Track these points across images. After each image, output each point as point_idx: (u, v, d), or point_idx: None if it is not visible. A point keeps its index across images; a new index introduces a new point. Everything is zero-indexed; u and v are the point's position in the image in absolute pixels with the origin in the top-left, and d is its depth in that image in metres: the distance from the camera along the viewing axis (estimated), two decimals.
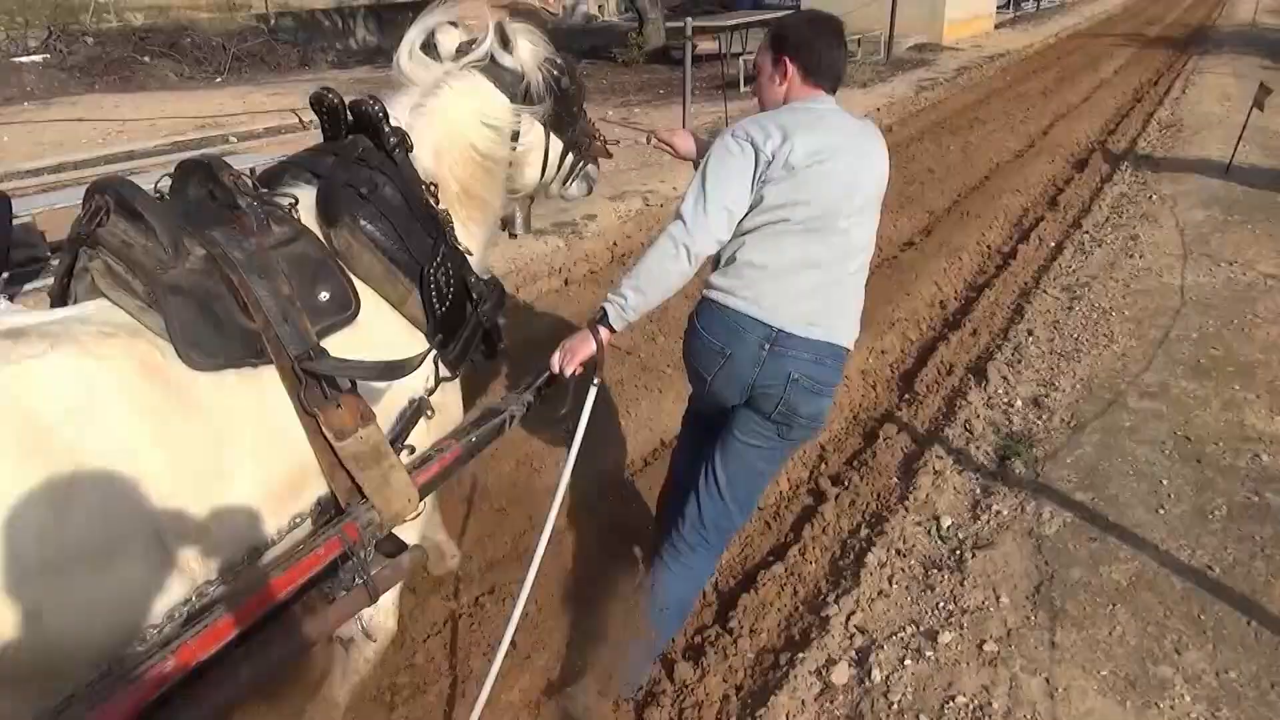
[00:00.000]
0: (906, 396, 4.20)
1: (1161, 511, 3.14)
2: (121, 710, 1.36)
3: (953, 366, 4.46)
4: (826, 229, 2.16)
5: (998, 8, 22.89)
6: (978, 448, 3.64)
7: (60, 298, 1.79)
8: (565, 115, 2.48)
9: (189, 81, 15.31)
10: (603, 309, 2.17)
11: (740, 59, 13.97)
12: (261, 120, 10.14)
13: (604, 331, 2.18)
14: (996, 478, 3.43)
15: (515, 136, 2.34)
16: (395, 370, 1.81)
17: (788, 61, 2.22)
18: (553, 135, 2.45)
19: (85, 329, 1.56)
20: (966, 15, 18.67)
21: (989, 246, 6.30)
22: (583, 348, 2.18)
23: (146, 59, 15.70)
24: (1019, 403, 3.97)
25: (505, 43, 2.26)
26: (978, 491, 3.37)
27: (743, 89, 12.76)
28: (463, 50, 2.26)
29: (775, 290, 2.17)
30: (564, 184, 2.63)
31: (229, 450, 1.64)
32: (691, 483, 2.46)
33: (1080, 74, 13.95)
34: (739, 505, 2.42)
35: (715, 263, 2.26)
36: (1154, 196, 7.01)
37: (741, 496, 2.40)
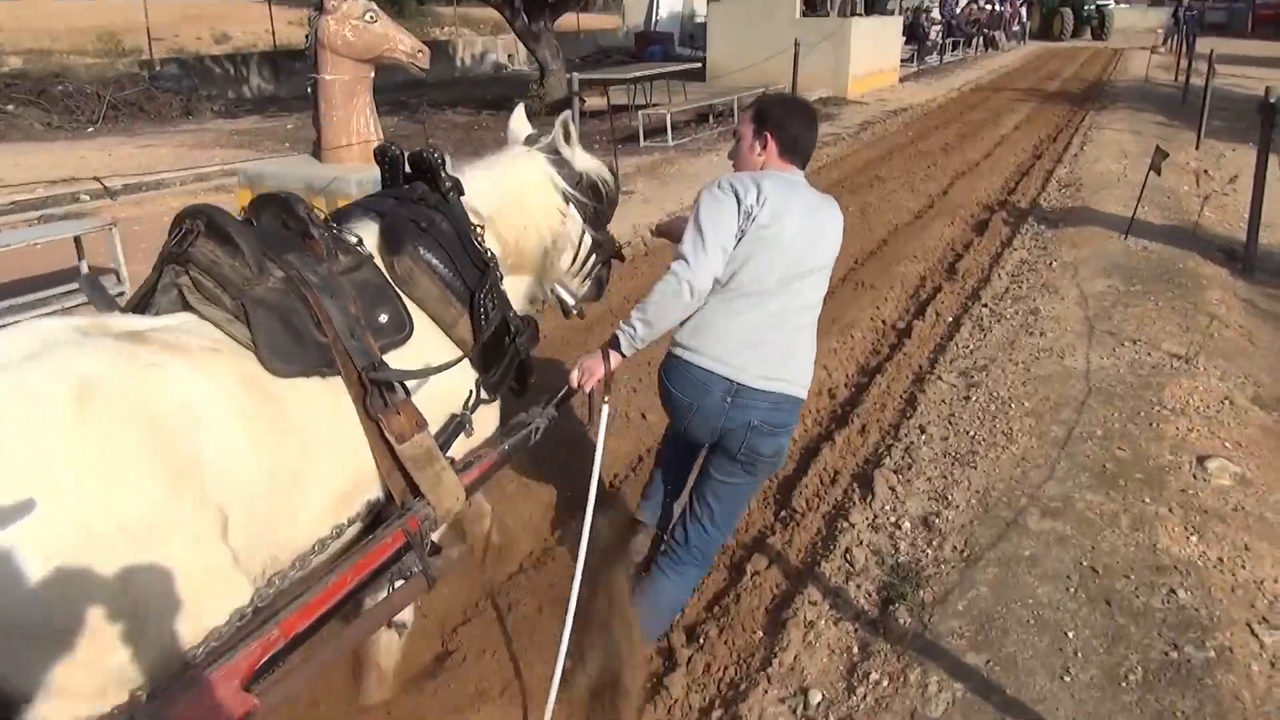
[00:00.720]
0: (783, 514, 3.65)
1: (1068, 679, 2.62)
2: (240, 668, 1.57)
3: (837, 474, 3.94)
4: (781, 290, 2.49)
5: (901, 61, 23.21)
6: (859, 586, 3.10)
7: (140, 310, 1.95)
8: (601, 216, 2.80)
9: (56, 132, 14.29)
10: (615, 336, 2.50)
11: (642, 112, 13.62)
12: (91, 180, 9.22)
13: (615, 356, 2.51)
14: (878, 630, 2.88)
15: (561, 220, 2.66)
16: (444, 367, 2.12)
17: (769, 136, 2.58)
18: (587, 231, 2.74)
19: (196, 340, 1.78)
20: (871, 69, 18.76)
21: (883, 322, 5.86)
22: (599, 368, 2.52)
23: (11, 107, 14.64)
24: (907, 524, 3.45)
25: (567, 137, 2.65)
26: (855, 650, 2.82)
27: (642, 143, 12.36)
28: (531, 140, 2.71)
29: (735, 350, 2.48)
30: (581, 280, 2.85)
31: (308, 453, 1.85)
32: (673, 479, 3.01)
33: (982, 129, 13.95)
34: (721, 529, 2.81)
35: (680, 325, 2.56)
36: (1054, 263, 6.71)
37: (722, 522, 2.78)
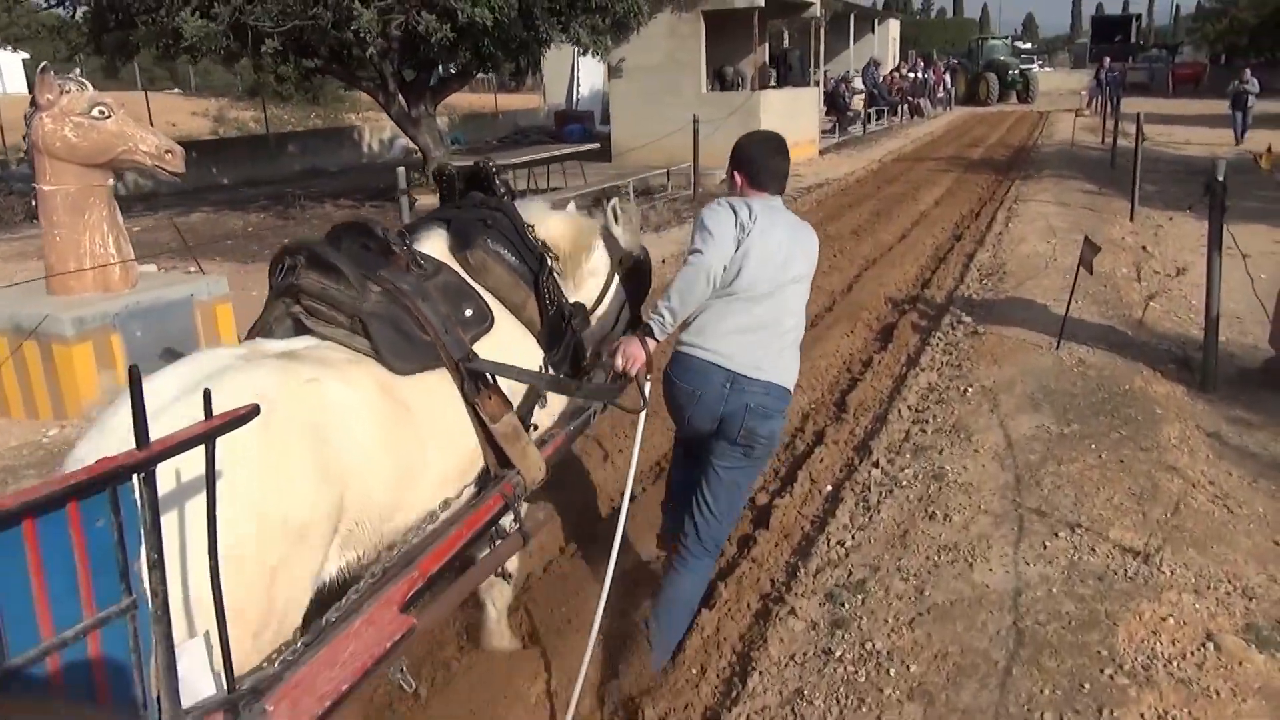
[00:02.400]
0: None
1: None
2: (394, 598, 1.95)
3: None
4: (769, 296, 2.85)
5: (823, 133, 22.33)
6: None
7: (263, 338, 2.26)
8: (635, 292, 3.26)
9: None
10: (647, 325, 2.84)
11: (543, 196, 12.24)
12: None
13: (650, 341, 2.81)
14: None
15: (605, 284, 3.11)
16: (534, 378, 2.61)
17: (738, 173, 2.96)
18: (624, 310, 3.19)
19: (336, 355, 2.13)
20: (789, 141, 17.71)
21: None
22: (640, 352, 2.79)
23: None
24: None
25: (616, 218, 3.20)
26: None
27: None
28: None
29: (730, 344, 2.84)
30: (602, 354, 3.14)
31: (429, 444, 2.22)
32: (684, 495, 3.12)
33: (899, 206, 12.78)
34: (727, 518, 3.07)
35: (684, 327, 2.88)
36: (970, 390, 5.29)
37: (725, 511, 3.03)
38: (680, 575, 3.04)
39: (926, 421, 4.89)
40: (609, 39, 14.38)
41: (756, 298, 2.83)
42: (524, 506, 2.57)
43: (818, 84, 26.57)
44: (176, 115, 33.13)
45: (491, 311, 2.52)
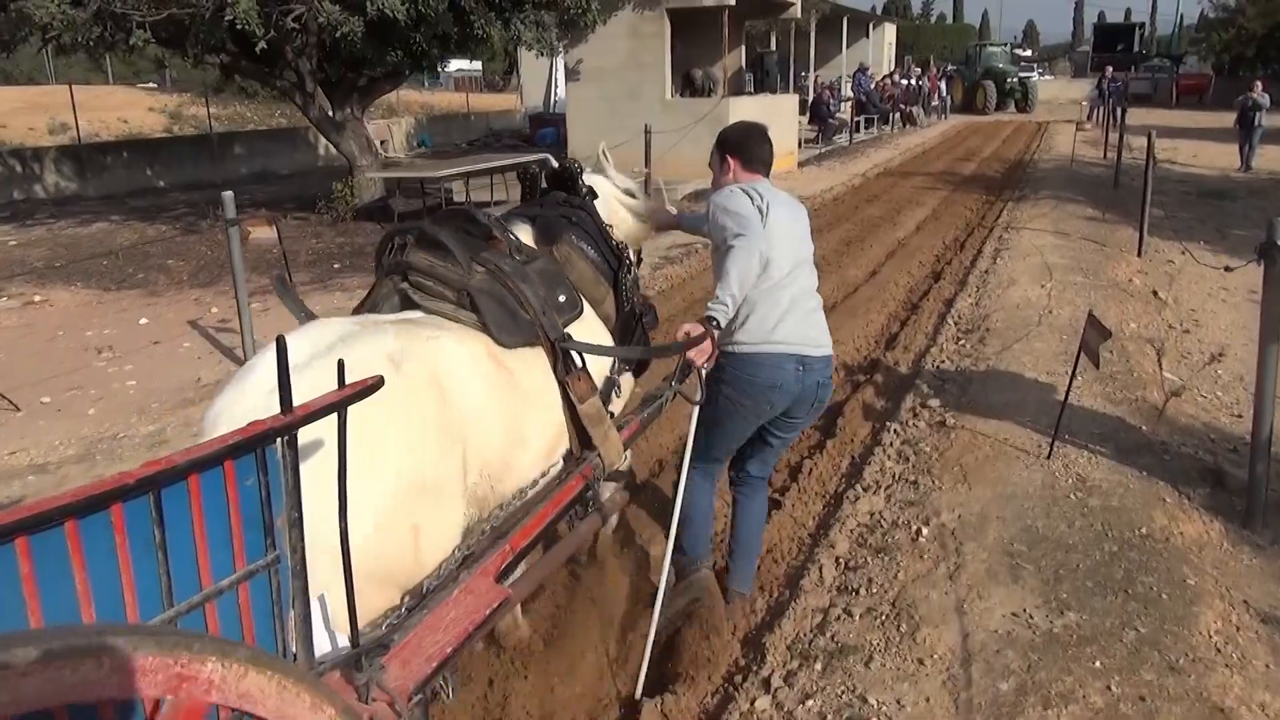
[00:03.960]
0: None
1: None
2: (489, 570, 2.03)
3: None
4: (792, 279, 2.98)
5: (806, 143, 20.83)
6: None
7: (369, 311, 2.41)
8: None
9: None
10: (712, 316, 2.75)
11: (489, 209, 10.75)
12: None
13: (715, 331, 2.78)
14: None
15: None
16: (627, 352, 2.84)
17: (729, 158, 3.10)
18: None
19: (450, 323, 2.25)
20: None
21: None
22: (709, 345, 2.76)
23: None
24: None
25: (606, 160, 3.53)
26: None
27: None
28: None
29: (786, 330, 2.94)
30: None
31: (530, 413, 2.33)
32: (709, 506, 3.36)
33: (875, 232, 11.27)
34: (772, 464, 3.45)
35: (731, 327, 2.93)
36: (925, 530, 3.78)
37: (774, 460, 3.44)
38: (751, 504, 3.36)
39: (856, 593, 3.37)
40: (555, 37, 12.87)
41: (783, 282, 2.94)
42: (604, 488, 2.77)
43: (802, 90, 25.12)
44: (133, 110, 31.59)
45: (581, 300, 2.62)
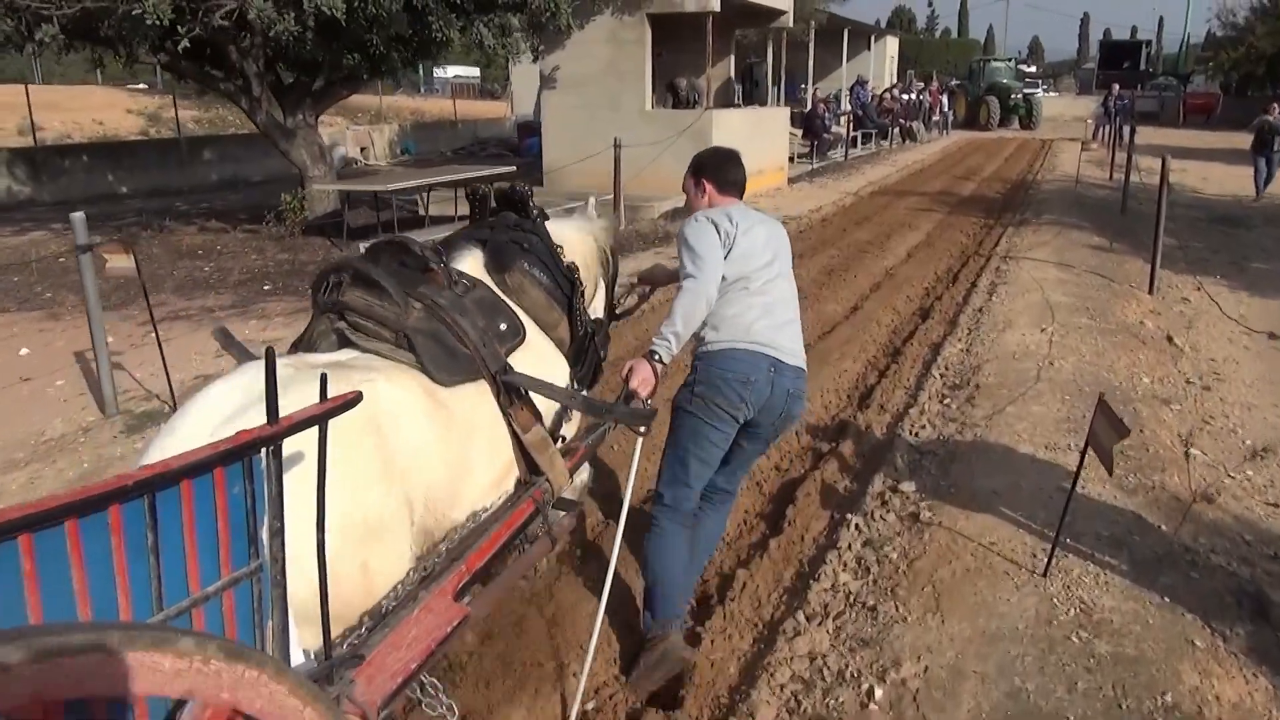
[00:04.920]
0: None
1: None
2: (447, 590, 2.07)
3: None
4: (768, 286, 3.03)
5: (799, 157, 19.93)
6: None
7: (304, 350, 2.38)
8: (612, 279, 3.57)
9: None
10: (654, 350, 2.84)
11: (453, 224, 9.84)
12: None
13: (658, 365, 2.85)
14: None
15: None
16: (559, 396, 2.70)
17: (705, 182, 3.20)
18: (603, 291, 3.48)
19: (380, 363, 2.22)
20: (748, 170, 15.31)
21: None
22: (652, 378, 2.85)
23: None
24: None
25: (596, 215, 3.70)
26: None
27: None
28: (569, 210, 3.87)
29: (760, 332, 2.98)
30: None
31: (473, 445, 2.34)
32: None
33: (861, 259, 10.34)
34: (740, 479, 3.45)
35: (703, 332, 3.01)
36: (879, 692, 2.84)
37: (742, 473, 3.40)
38: (709, 519, 3.33)
39: None
40: (523, 41, 11.98)
41: (758, 290, 3.01)
42: (552, 513, 2.72)
43: (801, 102, 24.20)
44: (111, 112, 30.69)
45: (524, 326, 2.64)
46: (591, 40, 14.01)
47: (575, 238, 3.22)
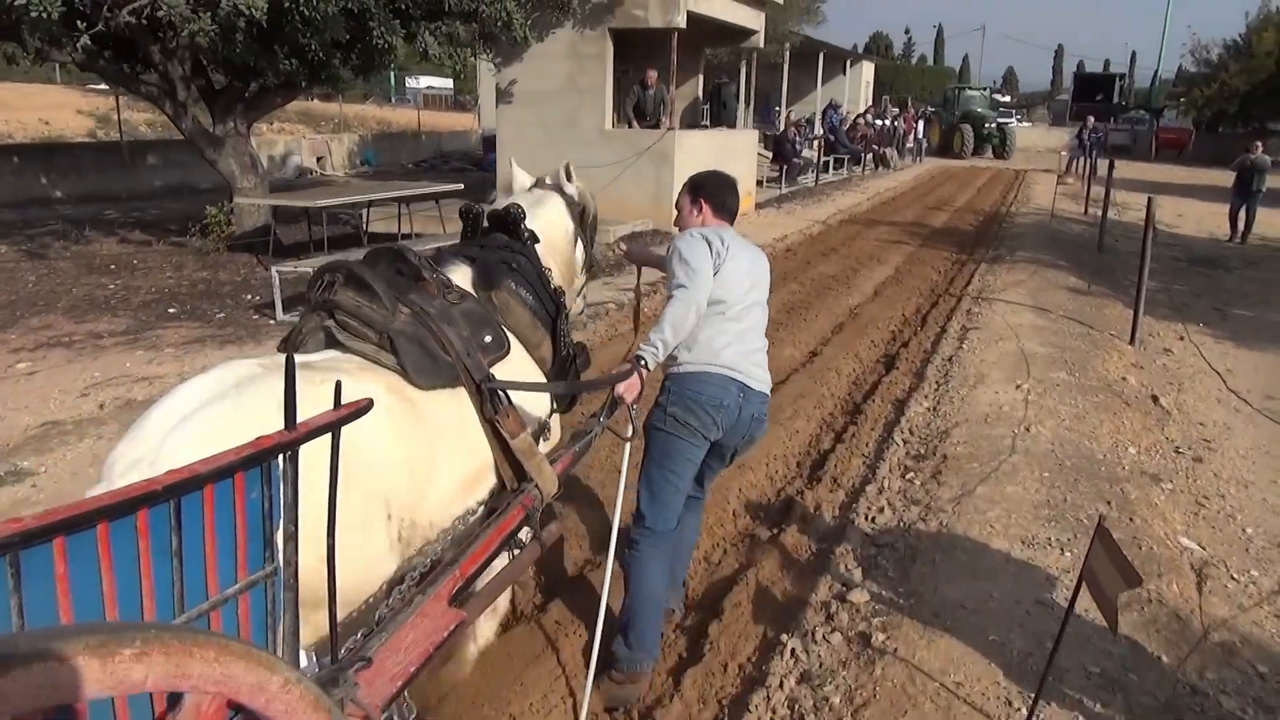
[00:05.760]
0: None
1: None
2: (442, 595, 2.10)
3: None
4: (744, 315, 3.12)
5: (768, 181, 19.32)
6: None
7: (293, 350, 2.38)
8: (589, 237, 3.58)
9: None
10: (640, 356, 2.90)
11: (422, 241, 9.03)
12: None
13: (644, 371, 2.91)
14: None
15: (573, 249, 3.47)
16: (552, 387, 2.85)
17: (704, 202, 3.26)
18: (583, 252, 3.55)
19: (349, 364, 2.26)
20: None
21: None
22: (638, 384, 2.92)
23: None
24: None
25: (569, 176, 3.48)
26: None
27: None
28: (539, 182, 3.53)
29: (731, 358, 3.06)
30: (581, 296, 3.67)
31: (441, 448, 2.34)
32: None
33: (824, 297, 9.65)
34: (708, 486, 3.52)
35: (677, 353, 3.07)
36: None
37: (709, 482, 3.47)
38: (690, 523, 3.45)
39: None
40: (478, 52, 11.24)
41: (733, 316, 3.09)
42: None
43: (774, 125, 23.66)
44: (61, 112, 29.58)
45: (509, 340, 2.68)
46: (550, 54, 13.31)
47: (548, 249, 3.22)
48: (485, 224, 3.11)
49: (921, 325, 8.60)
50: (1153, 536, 4.24)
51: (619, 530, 3.09)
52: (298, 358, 2.18)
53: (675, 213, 3.38)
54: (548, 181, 3.49)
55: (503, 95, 13.93)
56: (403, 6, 10.11)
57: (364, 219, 11.70)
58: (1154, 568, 3.93)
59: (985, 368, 6.77)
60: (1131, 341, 8.00)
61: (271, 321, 7.63)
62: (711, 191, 3.28)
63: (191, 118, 10.71)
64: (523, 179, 3.53)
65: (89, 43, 7.75)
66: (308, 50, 9.82)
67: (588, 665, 3.02)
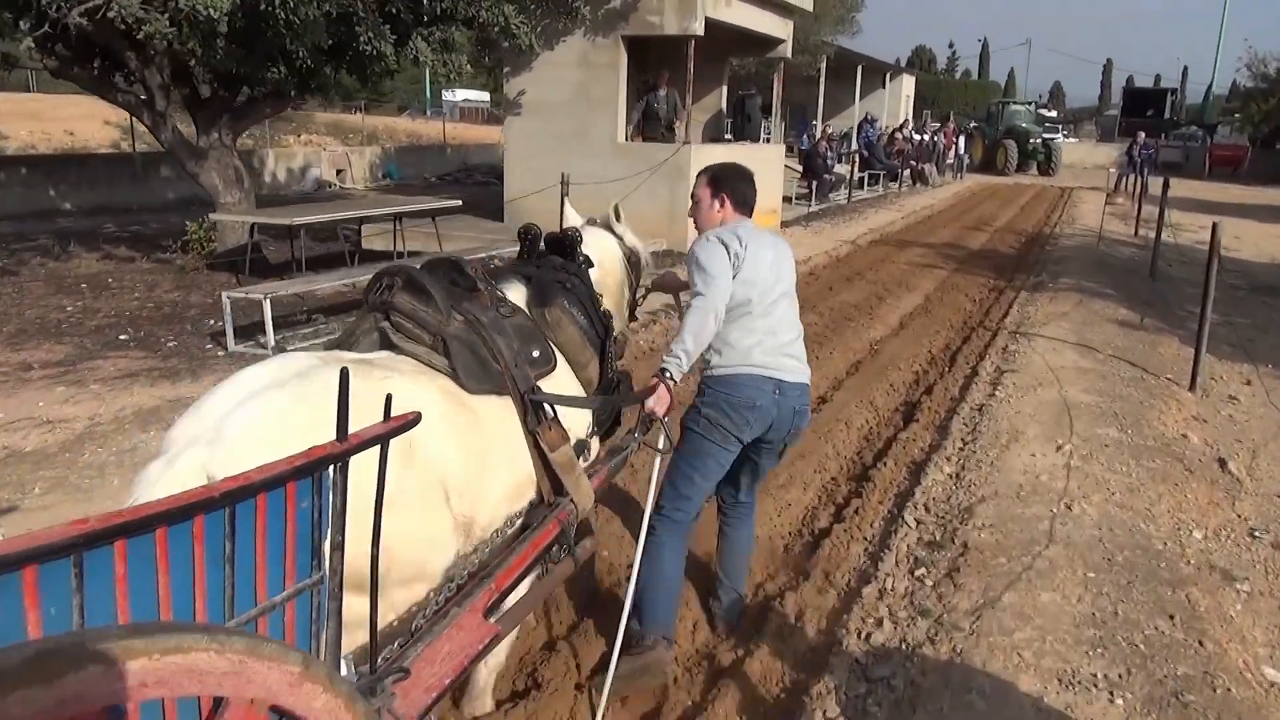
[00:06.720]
0: None
1: None
2: (478, 607, 2.10)
3: None
4: (772, 309, 3.14)
5: (798, 198, 18.41)
6: None
7: (346, 349, 2.44)
8: (634, 280, 3.62)
9: None
10: (665, 369, 2.98)
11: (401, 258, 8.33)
12: None
13: (671, 384, 2.99)
14: None
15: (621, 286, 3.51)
16: (588, 402, 2.83)
17: (725, 197, 3.26)
18: (627, 293, 3.56)
19: (406, 365, 2.29)
20: None
21: None
22: (668, 396, 3.00)
23: None
24: None
25: (618, 217, 3.57)
26: None
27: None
28: (590, 221, 3.56)
29: (763, 356, 3.11)
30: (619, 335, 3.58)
31: (492, 453, 2.36)
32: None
33: (842, 330, 8.72)
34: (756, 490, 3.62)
35: (708, 356, 3.14)
36: None
37: (759, 484, 3.59)
38: (741, 532, 3.55)
39: None
40: (471, 60, 10.50)
41: (761, 313, 3.11)
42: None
43: (812, 139, 22.72)
44: (89, 123, 29.33)
45: (556, 356, 2.72)
46: (560, 63, 12.56)
47: (604, 244, 3.37)
48: (542, 246, 3.17)
49: (950, 365, 7.64)
50: (1228, 670, 3.30)
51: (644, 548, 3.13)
52: (353, 355, 2.32)
53: (692, 204, 3.37)
54: (598, 220, 3.57)
55: (510, 106, 13.21)
56: (393, 11, 9.42)
57: (357, 236, 11.00)
58: (1231, 710, 2.99)
59: (1021, 421, 5.81)
60: (1192, 388, 6.98)
61: (221, 353, 6.89)
62: (733, 185, 3.29)
63: (172, 128, 10.10)
64: (573, 216, 3.60)
65: (32, 44, 7.09)
66: (295, 57, 9.16)
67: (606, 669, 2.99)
